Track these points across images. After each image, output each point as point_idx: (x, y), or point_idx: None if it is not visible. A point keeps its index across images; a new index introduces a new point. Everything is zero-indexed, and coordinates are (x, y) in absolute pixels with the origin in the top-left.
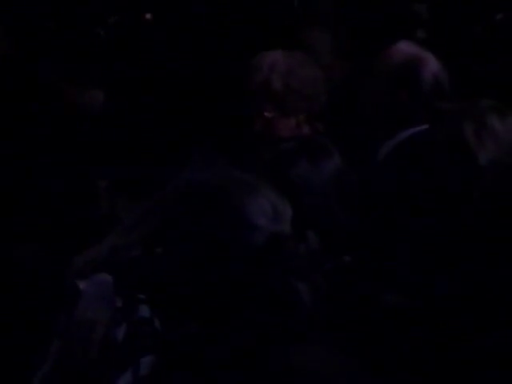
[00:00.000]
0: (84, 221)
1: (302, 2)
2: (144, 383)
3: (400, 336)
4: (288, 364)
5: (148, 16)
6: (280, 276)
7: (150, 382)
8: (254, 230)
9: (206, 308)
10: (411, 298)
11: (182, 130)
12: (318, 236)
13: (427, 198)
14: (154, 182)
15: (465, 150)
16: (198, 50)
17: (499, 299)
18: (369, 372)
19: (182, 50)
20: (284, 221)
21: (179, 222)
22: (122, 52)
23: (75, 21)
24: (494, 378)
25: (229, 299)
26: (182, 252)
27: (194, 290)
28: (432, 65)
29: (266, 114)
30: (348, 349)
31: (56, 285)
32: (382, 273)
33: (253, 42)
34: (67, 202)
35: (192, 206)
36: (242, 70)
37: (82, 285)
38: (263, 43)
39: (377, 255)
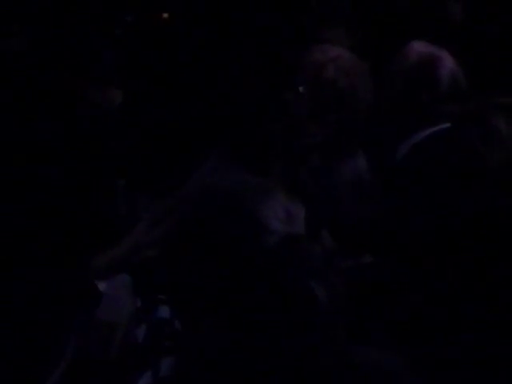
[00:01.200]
0: (102, 220)
1: (320, 1)
2: None
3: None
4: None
5: (165, 15)
6: (295, 277)
7: (170, 383)
8: (269, 234)
9: (221, 310)
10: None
11: (200, 128)
12: (333, 235)
13: (443, 199)
14: (171, 181)
15: (473, 153)
16: (218, 48)
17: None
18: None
19: (201, 50)
20: (297, 223)
21: (194, 225)
22: (140, 51)
23: (92, 20)
24: None
25: (244, 301)
26: (198, 255)
27: (208, 292)
28: (448, 63)
29: (300, 89)
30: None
31: (74, 285)
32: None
33: (272, 42)
34: (85, 201)
35: (207, 210)
36: (265, 66)
37: (101, 286)
38: (282, 42)
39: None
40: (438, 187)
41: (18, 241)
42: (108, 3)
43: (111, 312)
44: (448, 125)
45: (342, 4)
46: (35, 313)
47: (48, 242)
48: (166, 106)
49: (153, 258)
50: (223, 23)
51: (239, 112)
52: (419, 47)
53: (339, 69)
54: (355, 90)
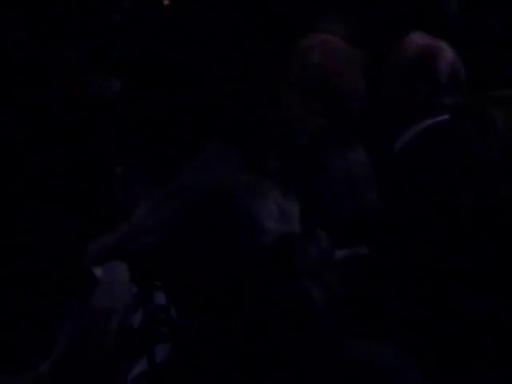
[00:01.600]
0: (99, 207)
1: None
2: (159, 371)
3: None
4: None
5: (166, 1)
6: (290, 276)
7: (165, 370)
8: (263, 233)
9: (214, 304)
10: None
11: (197, 117)
12: (330, 223)
13: (442, 192)
14: (169, 169)
15: (470, 145)
16: (215, 37)
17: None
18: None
19: (199, 37)
20: (291, 221)
21: (189, 223)
22: (138, 37)
23: (90, 5)
24: None
25: (239, 299)
26: (192, 250)
27: (203, 287)
28: (448, 54)
29: (292, 79)
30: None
31: (70, 272)
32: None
33: (269, 33)
34: (82, 188)
35: (201, 209)
36: (262, 59)
37: (97, 272)
38: (279, 34)
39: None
40: (436, 180)
41: (14, 226)
42: None
43: (107, 298)
44: (446, 117)
45: None
46: (29, 300)
47: (46, 228)
48: (164, 96)
49: (149, 245)
50: (221, 18)
51: (237, 104)
52: (418, 39)
53: (325, 52)
54: (341, 74)
